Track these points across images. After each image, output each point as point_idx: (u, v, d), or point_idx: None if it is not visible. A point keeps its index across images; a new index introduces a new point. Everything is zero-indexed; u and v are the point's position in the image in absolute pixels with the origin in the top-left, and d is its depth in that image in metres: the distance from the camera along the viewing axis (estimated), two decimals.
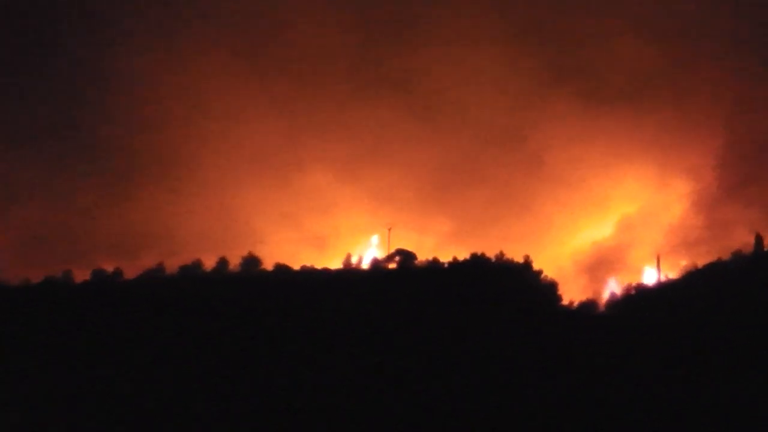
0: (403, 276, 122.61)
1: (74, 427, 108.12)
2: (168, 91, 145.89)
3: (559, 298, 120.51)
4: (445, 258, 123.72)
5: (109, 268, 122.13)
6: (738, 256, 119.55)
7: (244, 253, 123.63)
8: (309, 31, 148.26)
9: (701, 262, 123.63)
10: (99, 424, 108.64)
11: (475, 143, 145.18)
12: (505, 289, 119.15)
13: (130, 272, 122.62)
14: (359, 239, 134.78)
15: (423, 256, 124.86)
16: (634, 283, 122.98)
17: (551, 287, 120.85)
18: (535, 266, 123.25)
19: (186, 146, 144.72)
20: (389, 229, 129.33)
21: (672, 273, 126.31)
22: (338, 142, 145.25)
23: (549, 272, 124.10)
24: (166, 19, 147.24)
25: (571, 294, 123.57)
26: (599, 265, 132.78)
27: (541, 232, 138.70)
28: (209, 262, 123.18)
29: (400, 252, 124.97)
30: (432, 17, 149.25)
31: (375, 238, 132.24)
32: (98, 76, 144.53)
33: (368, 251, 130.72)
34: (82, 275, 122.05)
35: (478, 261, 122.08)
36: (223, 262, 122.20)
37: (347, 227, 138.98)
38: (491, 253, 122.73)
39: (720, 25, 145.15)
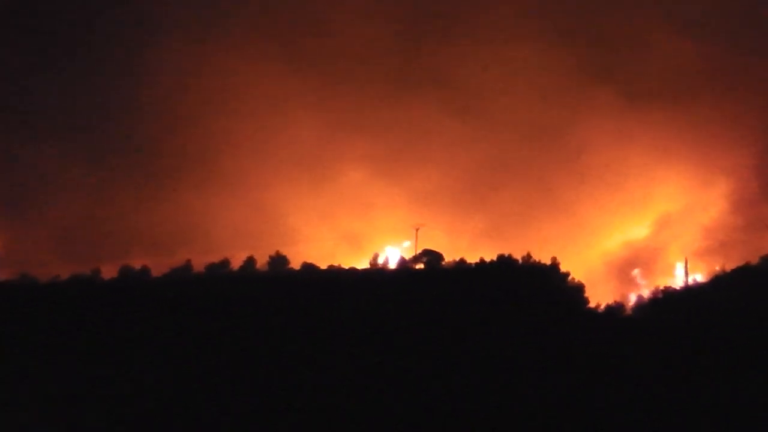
0: (429, 276, 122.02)
1: (101, 424, 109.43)
2: (202, 86, 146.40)
3: (585, 301, 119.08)
4: (475, 259, 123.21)
5: (140, 265, 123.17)
6: (766, 260, 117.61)
7: (278, 251, 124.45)
8: (347, 28, 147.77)
9: (737, 264, 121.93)
10: (125, 421, 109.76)
11: (513, 142, 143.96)
12: (530, 291, 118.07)
13: (162, 270, 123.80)
14: (394, 238, 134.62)
15: (457, 255, 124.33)
16: (661, 287, 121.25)
17: (578, 289, 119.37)
18: (569, 267, 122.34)
19: (221, 143, 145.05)
20: (417, 229, 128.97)
21: (705, 275, 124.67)
22: (375, 139, 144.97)
23: (581, 274, 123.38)
24: (200, 15, 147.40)
25: (606, 296, 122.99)
26: (634, 266, 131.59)
27: (576, 232, 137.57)
28: (243, 261, 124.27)
29: (428, 252, 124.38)
30: (471, 14, 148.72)
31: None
32: (132, 71, 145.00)
33: (403, 245, 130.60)
34: (113, 272, 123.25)
35: (504, 262, 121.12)
36: (250, 261, 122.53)
37: (383, 226, 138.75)
38: (524, 254, 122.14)
39: (762, 21, 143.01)
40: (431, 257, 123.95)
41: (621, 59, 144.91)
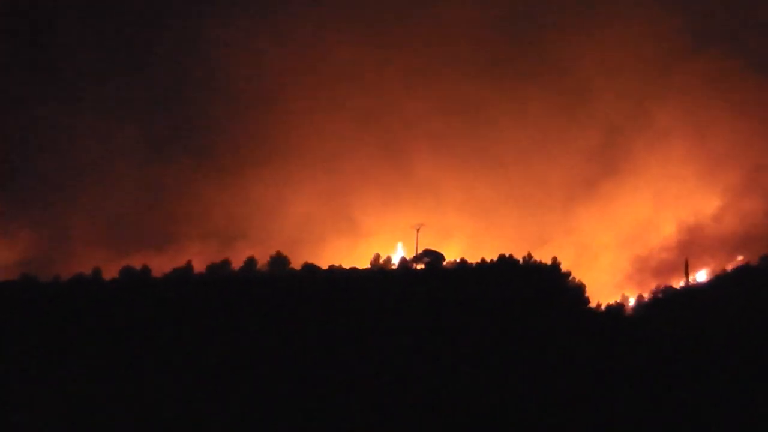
0: (430, 276, 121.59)
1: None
2: (278, 72, 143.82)
3: (586, 300, 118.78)
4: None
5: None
6: (766, 260, 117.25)
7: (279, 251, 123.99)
8: (450, 14, 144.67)
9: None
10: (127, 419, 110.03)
11: (605, 132, 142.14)
12: (531, 291, 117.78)
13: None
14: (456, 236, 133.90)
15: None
16: (662, 286, 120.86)
17: (579, 289, 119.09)
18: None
19: (297, 128, 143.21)
20: (417, 230, 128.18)
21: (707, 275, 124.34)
22: (462, 131, 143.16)
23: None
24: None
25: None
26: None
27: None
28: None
29: (428, 252, 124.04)
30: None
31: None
32: (203, 54, 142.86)
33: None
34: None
35: (505, 262, 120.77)
36: (251, 261, 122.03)
37: (444, 222, 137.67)
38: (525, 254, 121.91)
39: None
40: (432, 257, 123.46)
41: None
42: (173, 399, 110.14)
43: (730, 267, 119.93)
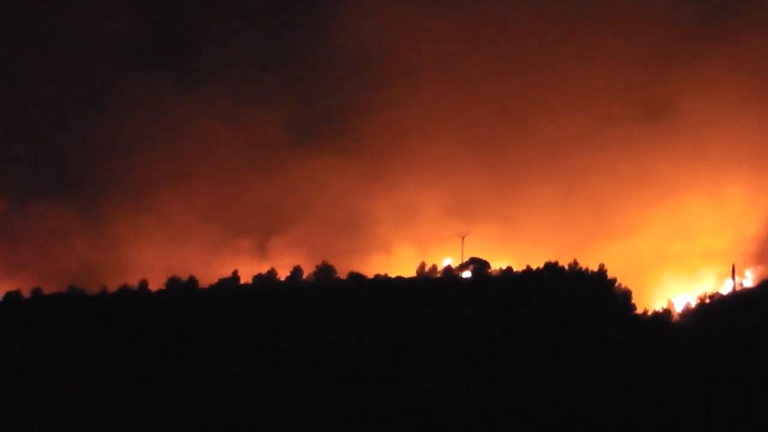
0: (476, 284, 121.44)
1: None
2: (425, 66, 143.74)
3: (633, 307, 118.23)
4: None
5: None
6: None
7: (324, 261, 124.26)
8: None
9: None
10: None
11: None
12: (578, 298, 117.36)
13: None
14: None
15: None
16: (708, 292, 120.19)
17: (625, 295, 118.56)
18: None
19: (440, 125, 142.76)
20: (463, 238, 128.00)
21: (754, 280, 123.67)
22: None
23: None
24: None
25: None
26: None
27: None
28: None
29: (474, 260, 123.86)
30: None
31: None
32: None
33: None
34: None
35: (551, 269, 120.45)
36: (297, 271, 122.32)
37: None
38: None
39: None
40: (478, 265, 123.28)
41: None
42: (216, 408, 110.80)
43: None
